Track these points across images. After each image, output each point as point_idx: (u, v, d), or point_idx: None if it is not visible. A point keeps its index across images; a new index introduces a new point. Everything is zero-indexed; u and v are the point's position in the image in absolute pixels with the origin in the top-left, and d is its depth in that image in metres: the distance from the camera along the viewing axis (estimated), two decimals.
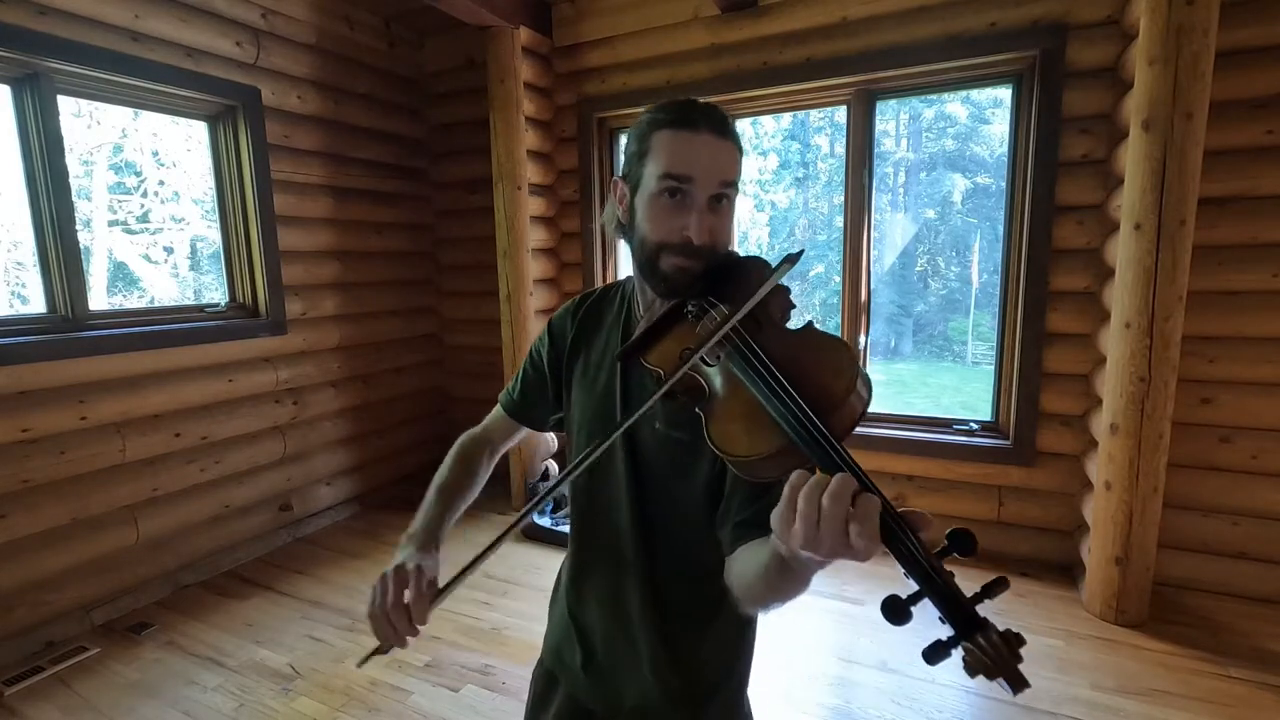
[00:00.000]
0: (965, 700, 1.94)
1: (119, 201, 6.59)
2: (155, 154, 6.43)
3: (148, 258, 6.82)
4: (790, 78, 2.89)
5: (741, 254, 0.86)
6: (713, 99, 1.02)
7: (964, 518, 2.80)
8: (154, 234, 6.76)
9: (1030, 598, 2.48)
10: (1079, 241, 2.53)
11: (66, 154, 2.33)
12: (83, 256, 2.42)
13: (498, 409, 1.08)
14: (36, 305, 2.39)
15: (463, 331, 3.99)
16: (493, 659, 2.20)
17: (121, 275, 6.62)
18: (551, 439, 3.53)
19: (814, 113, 8.90)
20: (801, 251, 0.75)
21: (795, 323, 0.76)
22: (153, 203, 6.68)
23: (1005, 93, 2.99)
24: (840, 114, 2.99)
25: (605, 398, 0.92)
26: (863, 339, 3.03)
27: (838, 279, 3.31)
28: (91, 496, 2.38)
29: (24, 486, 2.21)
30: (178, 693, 2.04)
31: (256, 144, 2.87)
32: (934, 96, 8.50)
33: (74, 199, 2.37)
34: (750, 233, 10.60)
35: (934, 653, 0.50)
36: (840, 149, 3.93)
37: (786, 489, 0.54)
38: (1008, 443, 2.74)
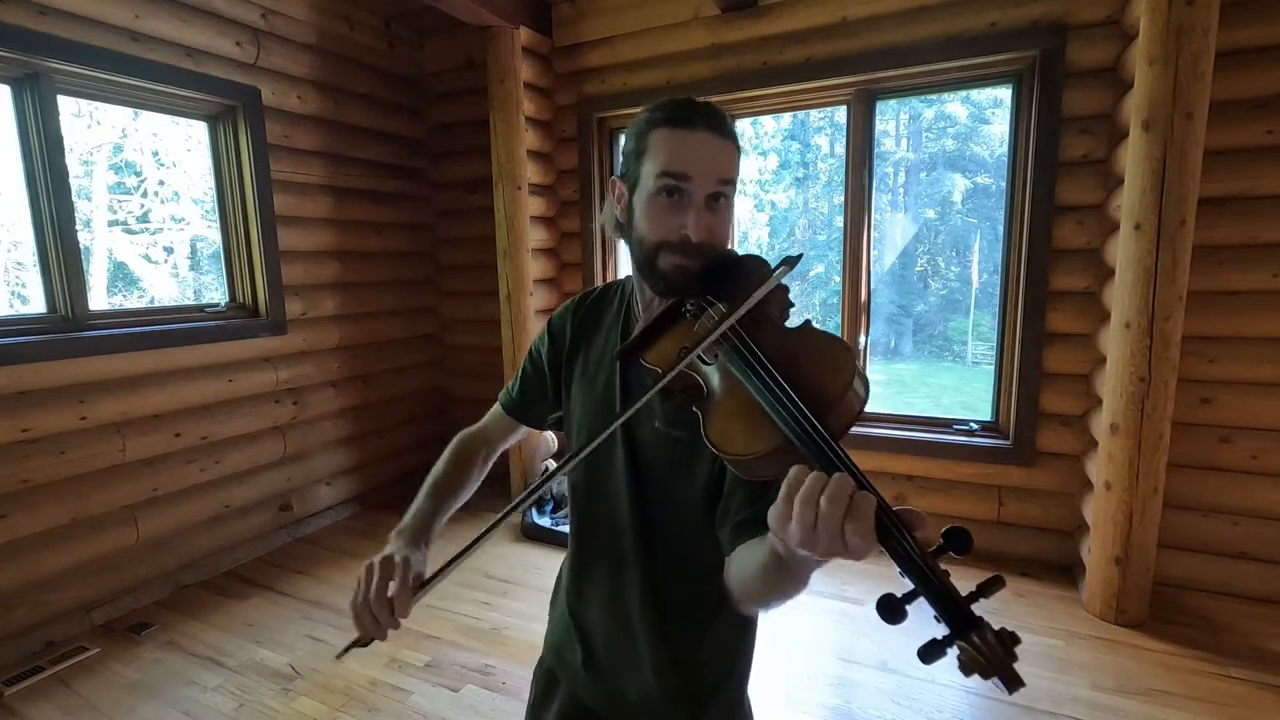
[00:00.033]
0: (965, 700, 1.94)
1: (119, 201, 6.59)
2: (155, 154, 6.44)
3: (148, 258, 6.82)
4: (790, 78, 2.89)
5: (740, 253, 0.86)
6: (713, 99, 1.02)
7: (964, 518, 2.80)
8: (154, 234, 6.76)
9: (1030, 598, 2.48)
10: (1079, 241, 2.53)
11: (66, 154, 2.34)
12: (83, 256, 2.42)
13: (496, 408, 1.08)
14: (36, 305, 2.39)
15: (463, 331, 3.99)
16: (493, 659, 2.20)
17: (121, 275, 6.63)
18: (551, 439, 3.53)
19: (814, 113, 8.91)
20: (800, 255, 0.76)
21: (793, 321, 0.76)
22: (153, 203, 6.68)
23: (1005, 93, 2.99)
24: (840, 114, 2.99)
25: (605, 397, 0.92)
26: (863, 339, 3.03)
27: (838, 279, 3.31)
28: (91, 496, 2.39)
29: (24, 486, 2.21)
30: (178, 693, 2.04)
31: (256, 144, 2.87)
32: (934, 96, 8.50)
33: (74, 199, 2.37)
34: (750, 233, 10.61)
35: (929, 652, 0.50)
36: (840, 149, 3.93)
37: (784, 487, 0.55)
38: (1008, 443, 2.74)
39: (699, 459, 0.83)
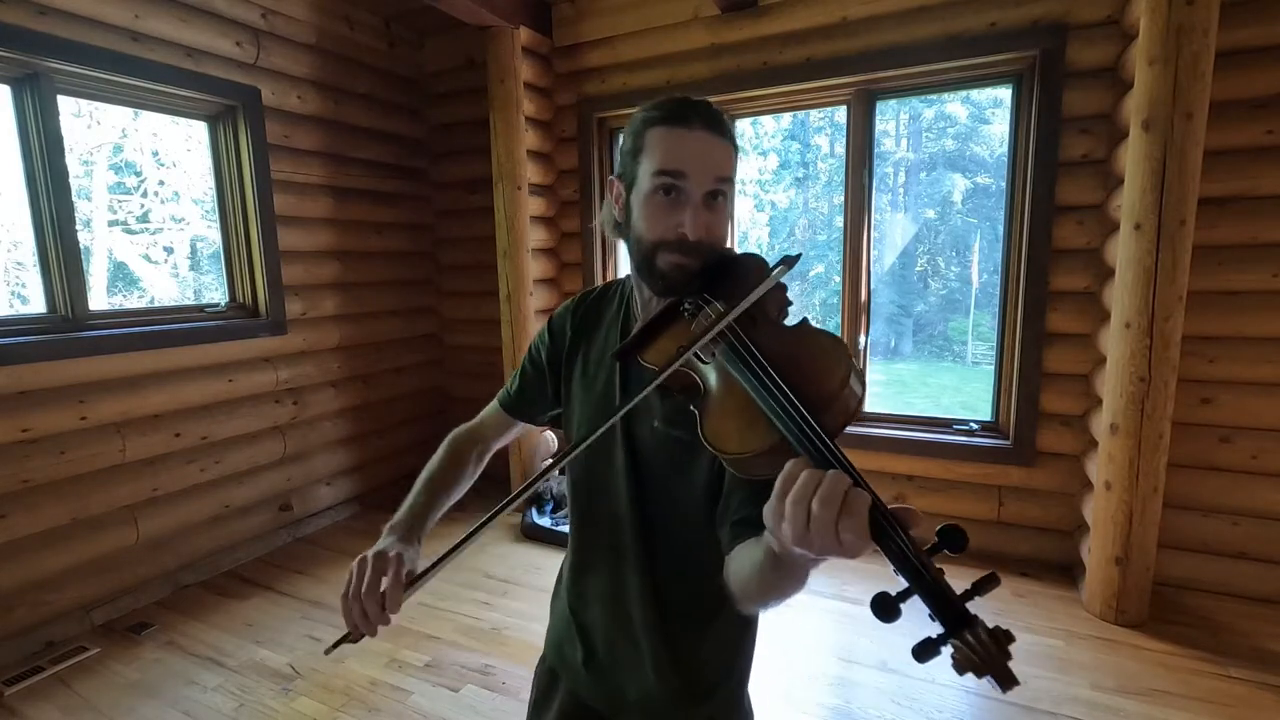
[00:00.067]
0: (965, 700, 1.94)
1: (119, 201, 6.59)
2: (155, 154, 6.44)
3: (148, 258, 6.82)
4: (790, 78, 2.89)
5: (738, 251, 0.86)
6: (713, 99, 1.01)
7: (964, 518, 2.80)
8: (154, 234, 6.76)
9: (1030, 598, 2.48)
10: (1079, 241, 2.53)
11: (66, 154, 2.34)
12: (83, 256, 2.42)
13: (494, 405, 1.08)
14: (36, 305, 2.39)
15: (463, 331, 3.99)
16: (493, 659, 2.20)
17: (121, 275, 6.63)
18: (551, 439, 3.53)
19: (814, 113, 8.91)
20: (799, 255, 0.75)
21: (791, 319, 0.76)
22: (153, 203, 6.69)
23: (1005, 93, 2.99)
24: (840, 114, 2.99)
25: (605, 396, 0.92)
26: (863, 339, 3.03)
27: (838, 279, 3.31)
28: (91, 496, 2.39)
29: (24, 486, 2.22)
30: (178, 693, 2.04)
31: (256, 144, 2.87)
32: (934, 96, 8.50)
33: (74, 199, 2.37)
34: (750, 233, 10.61)
35: (923, 650, 0.50)
36: (840, 149, 3.93)
37: (778, 483, 0.54)
38: (1008, 443, 2.74)
39: (699, 458, 0.83)
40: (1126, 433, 2.17)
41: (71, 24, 2.28)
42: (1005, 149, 2.74)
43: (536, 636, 2.29)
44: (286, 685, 2.07)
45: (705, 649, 0.91)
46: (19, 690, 2.05)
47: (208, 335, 2.75)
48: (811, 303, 10.34)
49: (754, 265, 0.81)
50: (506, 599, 2.59)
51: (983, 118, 10.04)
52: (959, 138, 10.40)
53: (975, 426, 2.86)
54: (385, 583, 0.77)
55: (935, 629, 0.50)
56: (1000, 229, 2.76)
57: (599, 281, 3.52)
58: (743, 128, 5.75)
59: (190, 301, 4.08)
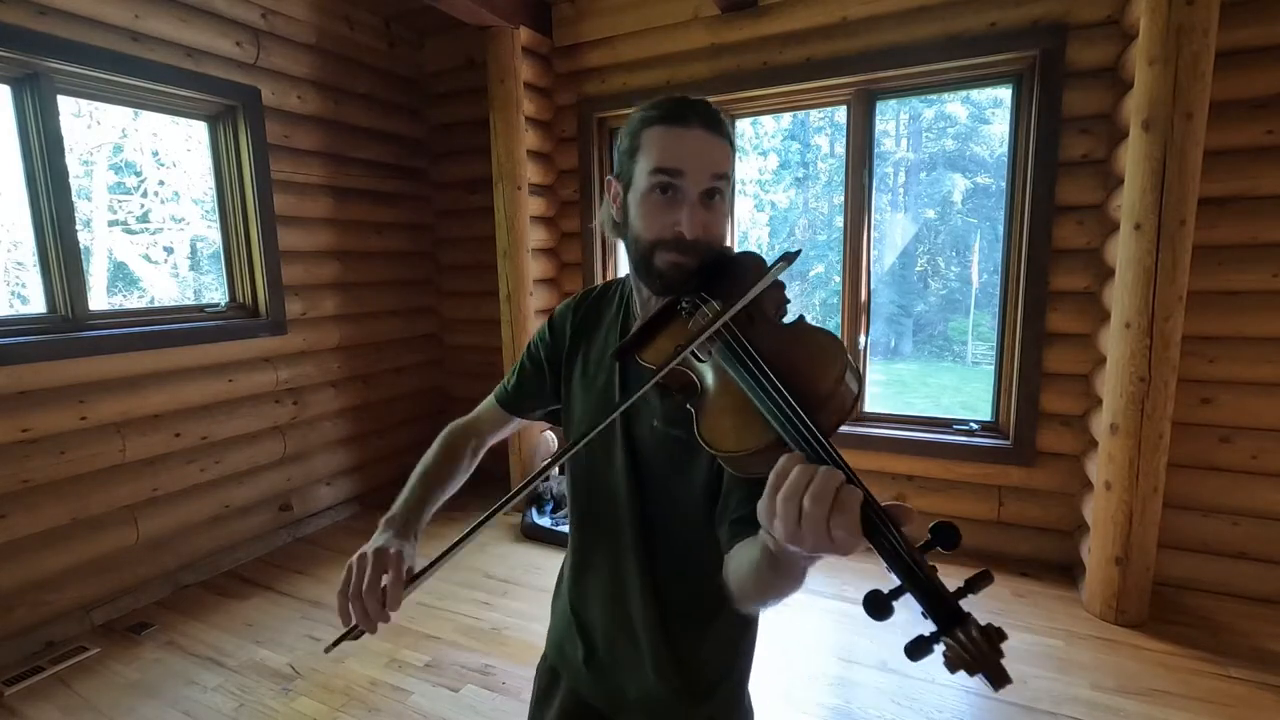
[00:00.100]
0: (965, 700, 1.94)
1: (119, 201, 6.59)
2: (155, 154, 6.44)
3: (148, 258, 6.82)
4: (790, 78, 2.89)
5: (736, 250, 0.86)
6: (713, 99, 1.01)
7: (964, 518, 2.80)
8: (154, 234, 6.77)
9: (1030, 598, 2.48)
10: (1079, 241, 2.53)
11: (66, 154, 2.34)
12: (83, 256, 2.42)
13: (490, 400, 1.08)
14: (36, 305, 2.39)
15: (463, 331, 3.99)
16: (493, 659, 2.20)
17: (121, 275, 6.63)
18: (551, 440, 3.53)
19: (814, 113, 8.92)
20: (799, 251, 0.75)
21: (788, 318, 0.76)
22: (153, 203, 6.69)
23: (1005, 93, 2.99)
24: (840, 114, 2.99)
25: (605, 396, 0.92)
26: (863, 339, 3.03)
27: (838, 279, 3.31)
28: (91, 496, 2.39)
29: (24, 486, 2.22)
30: (178, 693, 2.04)
31: (256, 144, 2.87)
32: (934, 96, 8.50)
33: (74, 199, 2.37)
34: (750, 233, 10.61)
35: (916, 648, 0.50)
36: (840, 149, 3.93)
37: (770, 479, 0.54)
38: (1008, 443, 2.74)
39: (698, 458, 0.83)
40: (1126, 433, 2.17)
41: (71, 24, 2.28)
42: (1005, 149, 2.74)
43: (536, 636, 2.29)
44: (286, 685, 2.07)
45: (705, 648, 0.91)
46: (19, 690, 2.05)
47: (208, 335, 2.75)
48: (811, 303, 10.35)
49: (752, 264, 0.81)
50: (506, 599, 2.59)
51: (983, 118, 10.04)
52: (959, 138, 10.40)
53: (975, 426, 2.86)
54: (386, 580, 0.77)
55: (929, 627, 0.50)
56: (1000, 229, 2.76)
57: (599, 281, 3.52)
58: (743, 128, 5.75)
59: (190, 301, 4.08)
